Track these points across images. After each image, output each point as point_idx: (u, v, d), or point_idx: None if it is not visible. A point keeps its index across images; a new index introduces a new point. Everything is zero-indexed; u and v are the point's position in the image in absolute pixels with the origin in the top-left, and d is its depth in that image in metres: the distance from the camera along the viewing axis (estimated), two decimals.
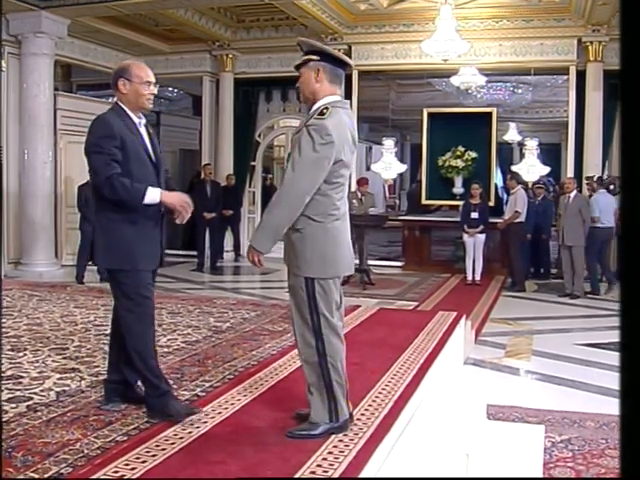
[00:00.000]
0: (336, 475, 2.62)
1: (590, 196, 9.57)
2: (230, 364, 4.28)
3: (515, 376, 5.41)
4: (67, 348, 4.66)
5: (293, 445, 2.91)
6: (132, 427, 3.13)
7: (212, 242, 11.30)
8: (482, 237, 9.65)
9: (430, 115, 11.54)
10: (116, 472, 2.61)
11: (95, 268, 9.26)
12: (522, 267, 9.78)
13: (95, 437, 3.00)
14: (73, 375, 4.00)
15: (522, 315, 7.72)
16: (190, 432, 3.03)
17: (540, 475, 3.40)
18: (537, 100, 12.68)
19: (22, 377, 3.93)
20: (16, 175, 10.08)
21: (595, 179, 9.98)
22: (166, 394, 3.23)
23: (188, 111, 14.69)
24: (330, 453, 2.82)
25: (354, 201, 9.24)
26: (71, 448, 2.86)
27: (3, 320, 5.39)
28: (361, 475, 2.67)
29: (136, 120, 3.31)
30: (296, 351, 3.37)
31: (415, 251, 11.35)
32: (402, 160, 12.81)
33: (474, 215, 9.66)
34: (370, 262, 9.90)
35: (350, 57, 10.21)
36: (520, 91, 12.42)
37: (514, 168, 11.39)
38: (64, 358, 4.39)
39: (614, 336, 6.08)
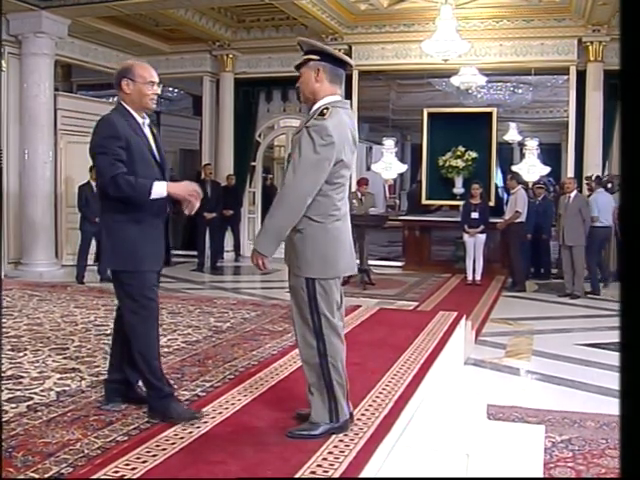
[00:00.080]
0: (336, 475, 2.62)
1: (589, 196, 9.57)
2: (230, 364, 4.28)
3: (515, 376, 5.41)
4: (67, 348, 4.66)
5: (293, 445, 2.91)
6: (132, 427, 3.13)
7: (212, 242, 11.30)
8: (482, 237, 9.65)
9: (430, 115, 11.54)
10: (116, 472, 2.61)
11: (95, 268, 9.29)
12: (522, 267, 9.78)
13: (95, 437, 3.00)
14: (73, 375, 4.00)
15: (522, 315, 7.72)
16: (190, 432, 3.03)
17: (540, 475, 3.40)
18: (537, 100, 12.68)
19: (22, 377, 3.93)
20: (16, 175, 10.08)
21: (594, 178, 9.98)
22: (168, 396, 3.23)
23: (188, 111, 14.70)
24: (330, 453, 2.82)
25: (354, 201, 9.24)
26: (71, 448, 2.86)
27: (3, 320, 5.39)
28: (361, 475, 2.67)
29: (140, 120, 3.30)
30: (296, 351, 3.38)
31: (415, 251, 11.35)
32: (402, 160, 12.82)
33: (474, 215, 9.66)
34: (370, 262, 9.91)
35: (350, 57, 10.19)
36: (520, 91, 12.42)
37: (514, 168, 11.40)
38: (64, 358, 4.39)
39: (614, 336, 6.07)
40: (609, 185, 9.90)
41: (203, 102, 13.05)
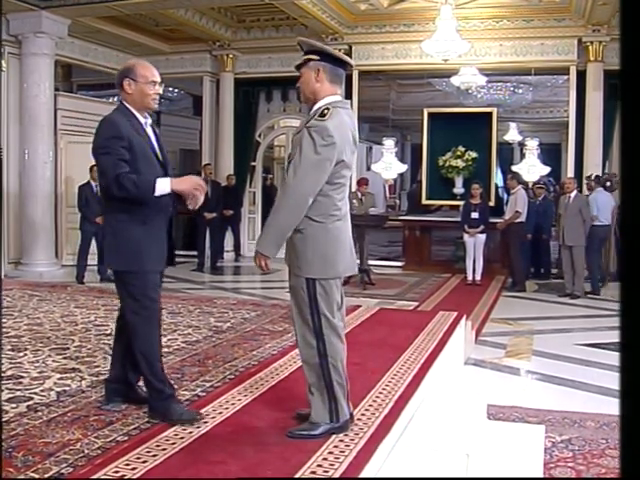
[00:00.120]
0: (336, 475, 2.62)
1: (588, 195, 9.57)
2: (230, 364, 4.28)
3: (515, 376, 5.41)
4: (67, 348, 4.66)
5: (293, 445, 2.91)
6: (133, 427, 3.13)
7: (212, 242, 11.30)
8: (482, 237, 9.65)
9: (430, 115, 11.54)
10: (117, 472, 2.61)
11: (95, 268, 9.29)
12: (522, 267, 9.78)
13: (96, 437, 3.00)
14: (73, 375, 4.00)
15: (522, 315, 7.72)
16: (190, 432, 3.03)
17: (540, 475, 3.40)
18: (537, 100, 12.68)
19: (22, 377, 3.93)
20: (16, 175, 10.08)
21: (593, 178, 9.99)
22: (169, 398, 3.22)
23: (188, 111, 14.69)
24: (330, 453, 2.82)
25: (354, 201, 9.24)
26: (71, 448, 2.86)
27: (3, 320, 5.39)
28: (361, 475, 2.67)
29: (142, 120, 3.28)
30: (297, 351, 3.37)
31: (415, 251, 11.35)
32: (402, 160, 12.82)
33: (474, 215, 9.66)
34: (370, 262, 9.91)
35: (350, 57, 10.18)
36: (520, 91, 12.42)
37: (514, 168, 11.40)
38: (64, 358, 4.39)
39: (614, 336, 6.07)
40: (607, 183, 9.91)
41: (203, 102, 13.06)
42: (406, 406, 3.48)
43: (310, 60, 3.08)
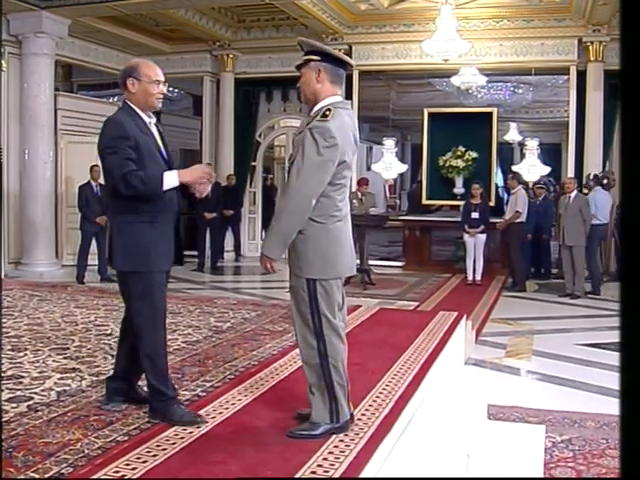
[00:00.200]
0: (337, 475, 2.62)
1: (586, 194, 9.57)
2: (231, 364, 4.28)
3: (516, 376, 5.41)
4: (68, 348, 4.66)
5: (294, 445, 2.91)
6: (133, 427, 3.13)
7: (213, 242, 11.30)
8: (483, 237, 9.65)
9: (431, 115, 11.53)
10: (117, 472, 2.61)
11: (96, 268, 9.30)
12: (523, 267, 9.78)
13: (96, 437, 3.00)
14: (74, 375, 4.00)
15: (523, 315, 7.72)
16: (191, 432, 3.03)
17: (541, 475, 3.40)
18: (538, 100, 12.69)
19: (23, 377, 3.93)
20: (17, 175, 10.09)
21: (591, 177, 10.00)
22: (171, 400, 3.20)
23: (189, 111, 14.70)
24: (331, 453, 2.82)
25: (354, 201, 9.25)
26: (72, 448, 2.86)
27: (4, 320, 5.39)
28: (362, 475, 2.67)
29: (146, 119, 3.27)
30: (297, 351, 3.37)
31: (416, 251, 11.35)
32: (403, 160, 12.83)
33: (475, 215, 9.66)
34: (371, 262, 9.91)
35: (351, 57, 10.19)
36: (521, 91, 12.42)
37: (515, 168, 11.41)
38: (65, 358, 4.39)
39: (614, 336, 6.07)
40: (605, 181, 9.91)
41: (203, 102, 13.06)
42: (406, 406, 3.49)
43: (311, 60, 3.07)
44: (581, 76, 10.80)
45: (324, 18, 10.68)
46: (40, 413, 3.31)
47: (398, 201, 14.14)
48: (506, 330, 6.91)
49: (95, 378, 3.92)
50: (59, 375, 3.99)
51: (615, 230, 10.04)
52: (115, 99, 13.21)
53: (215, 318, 5.84)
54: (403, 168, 12.53)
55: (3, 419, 3.13)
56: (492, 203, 10.71)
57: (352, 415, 3.12)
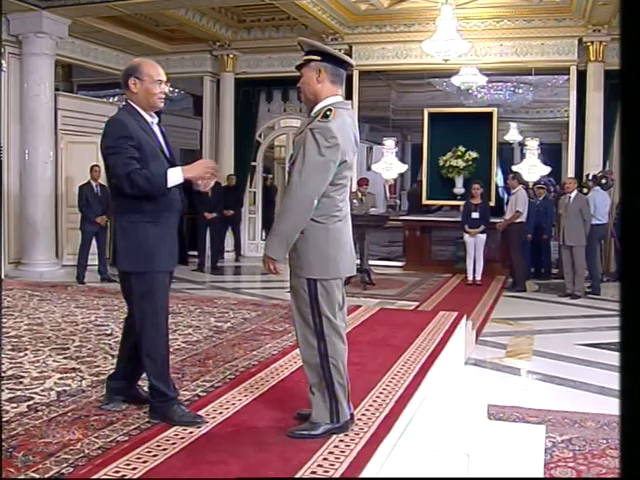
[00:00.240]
0: (337, 475, 2.62)
1: (585, 193, 9.57)
2: (231, 364, 4.28)
3: (516, 376, 5.41)
4: (68, 348, 4.66)
5: (294, 445, 2.91)
6: (133, 427, 3.13)
7: (213, 242, 11.30)
8: (483, 237, 9.65)
9: (431, 115, 11.53)
10: (117, 472, 2.61)
11: (96, 268, 9.30)
12: (523, 267, 9.79)
13: (96, 437, 3.00)
14: (74, 375, 4.00)
15: (523, 315, 7.72)
16: (191, 432, 3.04)
17: (541, 475, 3.40)
18: (538, 100, 12.69)
19: (23, 377, 3.93)
20: (17, 175, 10.09)
21: (590, 178, 10.01)
22: (171, 401, 3.19)
23: (189, 111, 14.69)
24: (331, 453, 2.82)
25: (355, 201, 9.25)
26: (72, 448, 2.86)
27: (4, 320, 5.39)
28: (362, 475, 2.67)
29: (149, 119, 3.26)
30: (297, 351, 3.37)
31: (416, 251, 11.35)
32: (403, 160, 12.82)
33: (475, 215, 9.67)
34: (371, 262, 9.91)
35: (351, 57, 10.18)
36: (521, 91, 12.43)
37: (515, 168, 11.39)
38: (65, 358, 4.39)
39: (615, 336, 6.07)
40: (603, 181, 9.92)
41: (203, 102, 13.07)
42: (406, 406, 3.48)
43: (311, 60, 3.07)
44: (581, 76, 10.80)
45: (324, 18, 10.68)
46: (40, 413, 3.31)
47: (398, 201, 14.14)
48: (506, 330, 6.91)
49: (95, 378, 3.92)
50: (59, 375, 3.99)
51: (614, 230, 10.04)
52: (115, 99, 13.22)
53: (215, 318, 5.84)
54: (403, 168, 12.52)
55: (3, 419, 3.13)
56: (492, 203, 10.71)
57: (352, 415, 3.12)
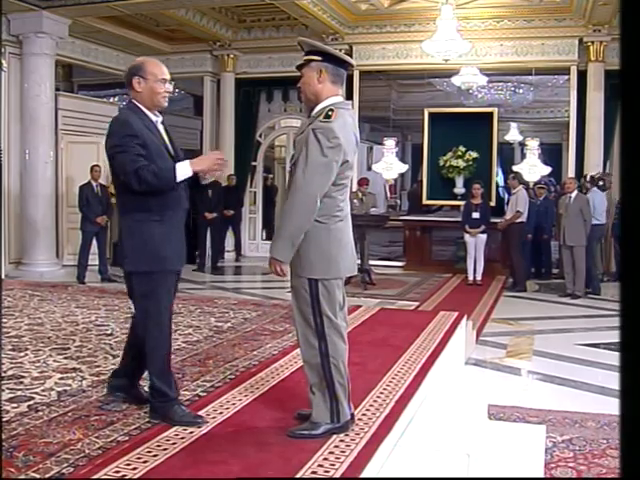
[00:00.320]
0: (337, 475, 2.62)
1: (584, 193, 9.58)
2: (231, 364, 4.28)
3: (516, 376, 5.41)
4: (68, 348, 4.66)
5: (294, 445, 2.91)
6: (134, 427, 3.13)
7: (213, 242, 11.31)
8: (483, 237, 9.65)
9: (431, 115, 11.53)
10: (117, 472, 2.61)
11: (96, 268, 9.30)
12: (523, 267, 9.79)
13: (96, 437, 3.00)
14: (74, 375, 4.00)
15: (523, 315, 7.72)
16: (191, 432, 3.04)
17: (541, 475, 3.40)
18: (538, 100, 12.70)
19: (23, 377, 3.93)
20: (17, 175, 10.09)
21: (588, 179, 10.01)
22: (172, 401, 3.19)
23: (189, 111, 14.69)
24: (331, 453, 2.82)
25: (355, 201, 9.25)
26: (72, 448, 2.86)
27: (4, 320, 5.39)
28: (362, 475, 2.67)
29: (153, 118, 3.24)
30: (297, 351, 3.37)
31: (416, 251, 11.35)
32: (403, 160, 12.83)
33: (475, 215, 9.67)
34: (371, 262, 9.91)
35: (351, 57, 10.19)
36: (521, 91, 12.43)
37: (515, 168, 11.40)
38: (65, 358, 4.39)
39: (615, 336, 6.07)
40: (600, 183, 9.92)
41: (204, 102, 13.07)
42: (407, 406, 3.48)
43: (312, 61, 3.07)
44: (582, 76, 10.80)
45: (324, 18, 10.69)
46: (41, 413, 3.31)
47: (399, 201, 14.15)
48: (507, 330, 6.91)
49: (96, 378, 3.92)
50: (60, 375, 3.99)
51: (612, 230, 10.04)
52: (115, 99, 13.23)
53: (216, 318, 5.85)
54: (403, 168, 12.53)
55: (4, 419, 3.14)
56: (493, 203, 10.71)
57: (353, 415, 3.12)
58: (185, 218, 3.30)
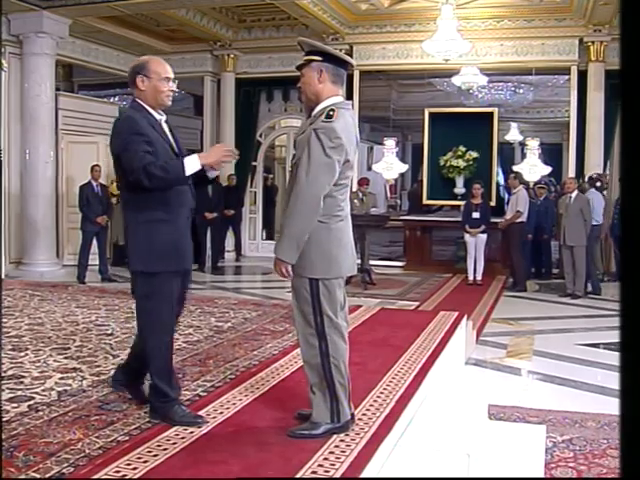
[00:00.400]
0: (337, 475, 2.62)
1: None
2: (231, 364, 4.29)
3: (516, 376, 5.41)
4: (68, 348, 4.67)
5: (295, 445, 2.91)
6: (134, 427, 3.13)
7: (213, 242, 11.30)
8: (483, 237, 9.65)
9: (431, 115, 11.53)
10: (117, 472, 2.62)
11: (97, 268, 9.30)
12: (523, 267, 9.79)
13: (97, 437, 3.00)
14: (74, 375, 4.00)
15: (523, 315, 7.72)
16: (192, 432, 3.04)
17: (541, 475, 3.40)
18: (538, 100, 12.70)
19: (23, 377, 3.93)
20: (17, 175, 10.09)
21: (586, 179, 10.01)
22: (172, 401, 3.19)
23: (189, 111, 14.69)
24: (332, 453, 2.82)
25: (355, 201, 9.24)
26: (72, 448, 2.86)
27: (5, 320, 5.40)
28: (362, 475, 2.67)
29: (158, 117, 3.23)
30: (298, 351, 3.37)
31: (416, 251, 11.34)
32: (403, 160, 12.83)
33: (475, 215, 9.66)
34: (371, 262, 9.90)
35: (351, 57, 10.18)
36: (521, 91, 12.43)
37: (516, 168, 11.40)
38: (65, 358, 4.39)
39: (615, 336, 6.06)
40: (598, 183, 9.93)
41: (204, 102, 13.08)
42: (407, 406, 3.49)
43: (312, 61, 3.07)
44: (582, 76, 10.79)
45: (325, 18, 10.69)
46: (41, 413, 3.31)
47: (399, 201, 14.15)
48: (507, 330, 6.91)
49: (96, 378, 3.93)
50: (60, 375, 3.99)
51: (611, 230, 10.04)
52: (116, 99, 13.23)
53: (216, 318, 5.85)
54: (404, 168, 12.53)
55: (4, 419, 3.14)
56: (493, 203, 10.70)
57: (353, 415, 3.12)
58: (191, 217, 3.29)
